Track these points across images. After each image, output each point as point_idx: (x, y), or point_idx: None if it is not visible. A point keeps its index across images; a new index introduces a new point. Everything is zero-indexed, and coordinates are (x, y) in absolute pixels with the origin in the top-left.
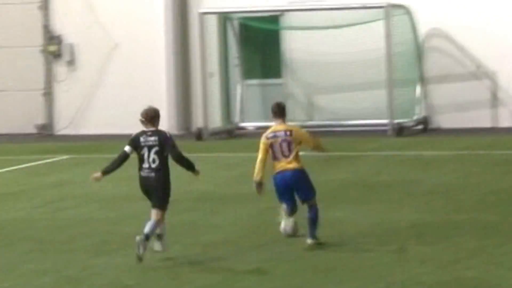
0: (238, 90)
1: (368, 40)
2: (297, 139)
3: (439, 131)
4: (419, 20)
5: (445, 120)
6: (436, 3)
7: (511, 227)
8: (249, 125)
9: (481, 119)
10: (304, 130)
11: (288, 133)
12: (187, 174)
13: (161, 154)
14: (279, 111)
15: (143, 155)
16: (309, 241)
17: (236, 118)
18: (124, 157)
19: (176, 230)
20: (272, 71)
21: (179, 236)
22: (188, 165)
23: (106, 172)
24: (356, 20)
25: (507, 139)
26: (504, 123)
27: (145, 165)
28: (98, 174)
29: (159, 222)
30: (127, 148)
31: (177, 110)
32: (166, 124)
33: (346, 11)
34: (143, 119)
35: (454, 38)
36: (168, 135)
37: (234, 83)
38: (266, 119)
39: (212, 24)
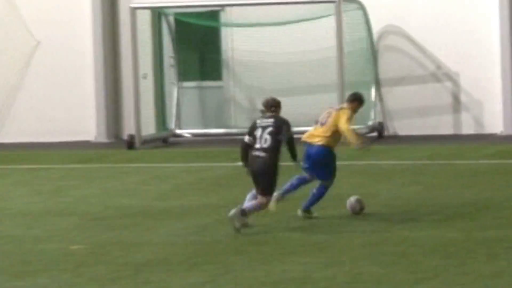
0: (173, 94)
1: (317, 38)
2: (336, 116)
3: (395, 138)
4: (374, 17)
5: (402, 127)
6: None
7: (476, 244)
8: (186, 132)
9: (442, 126)
10: (347, 116)
11: (339, 108)
12: (115, 188)
13: (274, 136)
14: (351, 98)
15: (256, 136)
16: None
17: (172, 124)
18: (246, 146)
19: (104, 249)
20: (211, 73)
21: (107, 256)
22: (293, 152)
23: (243, 162)
24: (304, 16)
25: (471, 147)
26: (468, 129)
27: (257, 145)
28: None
29: (261, 206)
30: (246, 138)
31: (107, 115)
32: (94, 131)
33: (293, 6)
34: (263, 108)
35: (412, 36)
36: (286, 120)
37: (169, 86)
38: (204, 125)
39: (145, 20)
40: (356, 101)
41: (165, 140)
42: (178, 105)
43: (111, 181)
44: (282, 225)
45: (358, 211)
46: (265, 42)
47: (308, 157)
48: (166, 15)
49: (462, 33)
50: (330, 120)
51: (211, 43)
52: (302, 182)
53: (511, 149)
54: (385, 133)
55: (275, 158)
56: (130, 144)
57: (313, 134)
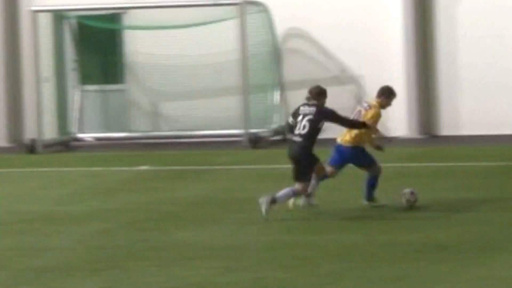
0: (75, 97)
1: (220, 41)
2: (366, 115)
3: None
4: (277, 19)
5: None
6: (296, 1)
7: (377, 248)
8: (88, 136)
9: (343, 129)
10: (375, 114)
11: (368, 107)
12: (15, 193)
13: (313, 123)
14: (379, 92)
15: (297, 122)
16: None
17: (73, 128)
18: (290, 127)
19: (4, 255)
20: (113, 76)
21: (7, 261)
22: (355, 125)
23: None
24: (207, 18)
25: (373, 151)
26: None
27: (296, 131)
28: None
29: (296, 192)
30: (289, 119)
31: (7, 119)
32: None
33: (196, 9)
34: (308, 95)
35: (316, 39)
36: (328, 108)
37: (70, 89)
38: (106, 129)
39: (46, 23)
40: (383, 95)
41: (66, 144)
42: (80, 108)
43: (11, 186)
44: (183, 229)
45: (413, 202)
46: (168, 45)
47: (340, 156)
48: (67, 18)
49: (366, 36)
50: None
51: (114, 46)
52: (321, 178)
53: (415, 152)
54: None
55: (310, 145)
56: (31, 148)
57: (344, 134)
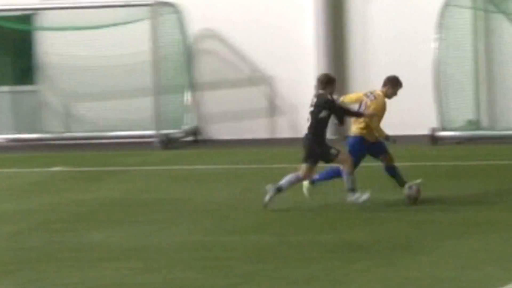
0: None
1: (132, 42)
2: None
3: (211, 142)
4: (190, 20)
5: (218, 131)
6: (209, 2)
7: (290, 249)
8: None
9: (258, 130)
10: (380, 105)
11: (373, 99)
12: None
13: (315, 115)
14: (386, 81)
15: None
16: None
17: None
18: None
19: None
20: (25, 77)
21: None
22: (351, 114)
23: None
24: (120, 19)
25: (287, 151)
26: (283, 133)
27: (307, 124)
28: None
29: (300, 178)
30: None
31: None
32: None
33: (108, 10)
34: (316, 84)
35: (228, 40)
36: (329, 98)
37: None
38: (18, 130)
39: None
40: (389, 84)
41: None
42: None
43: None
44: (97, 230)
45: (416, 196)
46: (81, 46)
47: (348, 147)
48: None
49: (278, 36)
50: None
51: (26, 47)
52: (336, 174)
53: None
54: (201, 137)
55: (316, 137)
56: None
57: (353, 125)
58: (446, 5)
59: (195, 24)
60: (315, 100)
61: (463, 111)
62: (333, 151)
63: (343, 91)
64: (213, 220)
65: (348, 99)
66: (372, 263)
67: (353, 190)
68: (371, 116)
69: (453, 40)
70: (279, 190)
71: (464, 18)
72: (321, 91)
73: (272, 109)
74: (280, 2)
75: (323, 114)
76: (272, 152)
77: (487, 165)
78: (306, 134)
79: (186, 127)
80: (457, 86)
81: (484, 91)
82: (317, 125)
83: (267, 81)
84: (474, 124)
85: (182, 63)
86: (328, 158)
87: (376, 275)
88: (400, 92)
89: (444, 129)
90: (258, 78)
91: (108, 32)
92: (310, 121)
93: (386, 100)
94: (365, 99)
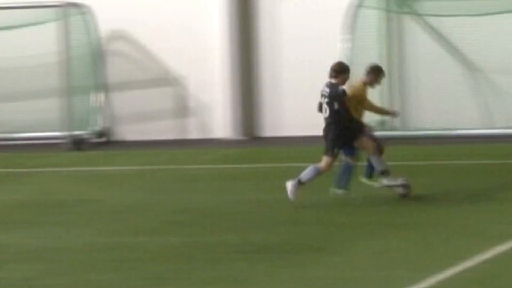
0: None
1: (42, 43)
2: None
3: (122, 143)
4: (100, 21)
5: (128, 132)
6: (117, 3)
7: (197, 249)
8: None
9: (169, 130)
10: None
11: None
12: None
13: (330, 106)
14: (368, 69)
15: (322, 104)
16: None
17: None
18: (319, 106)
19: None
20: None
21: None
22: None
23: None
24: (27, 21)
25: (198, 152)
26: (193, 134)
27: (323, 114)
28: None
29: (320, 170)
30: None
31: None
32: None
33: (17, 11)
34: (329, 72)
35: (139, 41)
36: (339, 90)
37: None
38: None
39: None
40: (372, 72)
41: None
42: None
43: None
44: (1, 232)
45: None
46: None
47: None
48: None
49: (189, 37)
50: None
51: None
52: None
53: (236, 153)
54: (111, 139)
55: (336, 124)
56: None
57: None
58: (354, 6)
59: (104, 25)
60: (327, 90)
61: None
62: (336, 151)
63: (253, 92)
64: (123, 221)
65: None
66: (278, 264)
67: (384, 172)
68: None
69: (361, 41)
70: (300, 183)
71: (372, 19)
72: (333, 81)
73: (182, 110)
74: (189, 3)
75: (336, 106)
76: (182, 152)
77: (400, 166)
78: (326, 125)
79: (96, 128)
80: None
81: (396, 92)
82: (335, 115)
83: (177, 82)
84: (383, 124)
85: (91, 64)
86: (327, 151)
87: (283, 276)
88: (310, 92)
89: None
90: (167, 79)
91: (16, 34)
92: (327, 111)
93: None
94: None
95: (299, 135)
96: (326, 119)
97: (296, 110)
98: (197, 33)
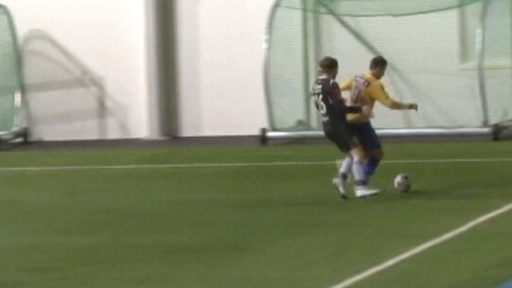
0: None
1: None
2: (370, 93)
3: (40, 144)
4: (18, 21)
5: (47, 132)
6: (35, 2)
7: (124, 249)
8: None
9: (88, 131)
10: (381, 89)
11: (365, 83)
12: None
13: (326, 101)
14: (374, 64)
15: (316, 102)
16: None
17: None
18: (315, 104)
19: None
20: None
21: None
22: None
23: None
24: None
25: (117, 152)
26: (113, 134)
27: (321, 111)
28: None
29: (358, 161)
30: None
31: None
32: None
33: None
34: (320, 69)
35: (57, 41)
36: (331, 85)
37: None
38: None
39: None
40: (378, 65)
41: None
42: None
43: None
44: None
45: (406, 188)
46: None
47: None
48: None
49: (108, 38)
50: (363, 96)
51: None
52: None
53: (155, 154)
54: (30, 139)
55: (338, 118)
56: None
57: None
58: (275, 6)
59: (24, 25)
60: (319, 86)
61: (293, 111)
62: (354, 141)
63: (172, 92)
64: (43, 221)
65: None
66: (204, 264)
67: (364, 182)
68: (366, 111)
69: (283, 41)
70: (344, 177)
71: (293, 19)
72: (324, 76)
73: (101, 110)
74: (109, 2)
75: (331, 101)
76: (102, 153)
77: (318, 166)
78: (327, 121)
79: (15, 128)
80: (287, 87)
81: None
82: (332, 110)
83: (97, 82)
84: (304, 124)
85: (11, 64)
86: (348, 143)
87: (207, 276)
88: (230, 92)
89: (274, 130)
90: (88, 79)
91: None
92: (324, 108)
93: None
94: (355, 83)
95: (218, 135)
96: (323, 115)
97: (215, 110)
98: (116, 33)
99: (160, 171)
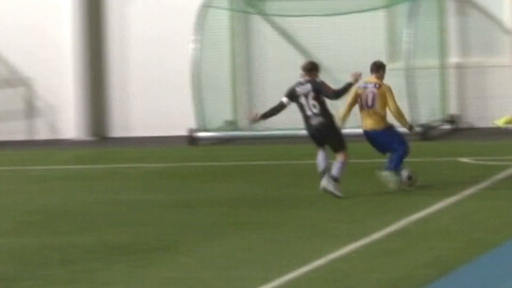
0: None
1: None
2: (382, 95)
3: None
4: None
5: None
6: None
7: (50, 250)
8: None
9: (16, 131)
10: (390, 91)
11: (377, 85)
12: None
13: (318, 99)
14: (375, 68)
15: (302, 104)
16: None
17: None
18: (281, 107)
19: None
20: None
21: None
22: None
23: (264, 116)
24: None
25: (45, 153)
26: (42, 135)
27: (308, 112)
28: (257, 114)
29: (345, 163)
30: (284, 100)
31: None
32: None
33: None
34: (302, 72)
35: None
36: (318, 82)
37: None
38: None
39: None
40: (381, 69)
41: None
42: None
43: None
44: None
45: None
46: None
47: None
48: None
49: (35, 38)
50: (376, 99)
51: None
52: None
53: (85, 154)
54: None
55: (330, 117)
56: None
57: (364, 118)
58: (204, 6)
59: None
60: (306, 86)
61: (221, 111)
62: (344, 144)
63: (102, 93)
64: None
65: (347, 106)
66: (132, 264)
67: (337, 180)
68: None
69: (211, 41)
70: (335, 179)
71: (222, 19)
72: (308, 78)
73: (31, 110)
74: (37, 3)
75: (323, 96)
76: (30, 154)
77: (246, 166)
78: (319, 120)
79: None
80: (215, 87)
81: (242, 91)
82: (325, 108)
83: (25, 83)
84: (232, 124)
85: None
86: (339, 143)
87: (136, 276)
88: (159, 92)
89: (202, 130)
90: (15, 80)
91: None
92: (317, 107)
93: None
94: (364, 91)
95: (147, 136)
96: (315, 115)
97: (144, 110)
98: (44, 33)
99: (89, 171)
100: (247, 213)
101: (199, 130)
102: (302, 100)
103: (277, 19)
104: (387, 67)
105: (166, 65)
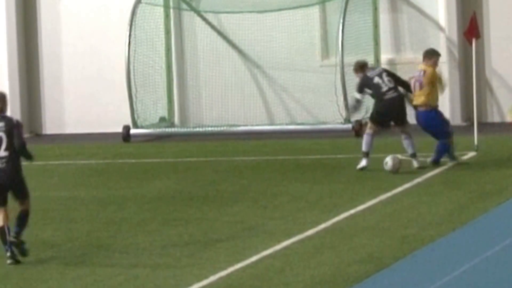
0: None
1: None
2: (428, 79)
3: None
4: None
5: None
6: None
7: None
8: None
9: None
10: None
11: (422, 72)
12: None
13: (392, 76)
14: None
15: (378, 83)
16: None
17: None
18: (357, 102)
19: None
20: None
21: None
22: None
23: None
24: None
25: None
26: None
27: (384, 88)
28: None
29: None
30: (357, 95)
31: None
32: None
33: None
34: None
35: None
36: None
37: None
38: None
39: None
40: (434, 56)
41: None
42: None
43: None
44: None
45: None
46: None
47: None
48: None
49: None
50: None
51: None
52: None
53: None
54: None
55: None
56: None
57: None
58: (137, 3)
59: None
60: (379, 69)
61: (155, 108)
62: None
63: (35, 90)
64: None
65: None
66: (66, 262)
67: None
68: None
69: (145, 37)
70: (414, 156)
71: (156, 16)
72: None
73: None
74: None
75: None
76: None
77: (179, 162)
78: (397, 96)
79: None
80: (150, 84)
81: (176, 88)
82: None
83: None
84: (166, 121)
85: None
86: (404, 119)
87: (70, 273)
88: (93, 89)
89: (136, 127)
90: None
91: None
92: (391, 82)
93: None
94: (414, 80)
95: (81, 133)
96: (392, 88)
97: (78, 107)
98: None
99: (22, 168)
100: (179, 210)
101: (134, 127)
102: (377, 79)
103: (210, 16)
104: (321, 64)
105: (101, 61)
